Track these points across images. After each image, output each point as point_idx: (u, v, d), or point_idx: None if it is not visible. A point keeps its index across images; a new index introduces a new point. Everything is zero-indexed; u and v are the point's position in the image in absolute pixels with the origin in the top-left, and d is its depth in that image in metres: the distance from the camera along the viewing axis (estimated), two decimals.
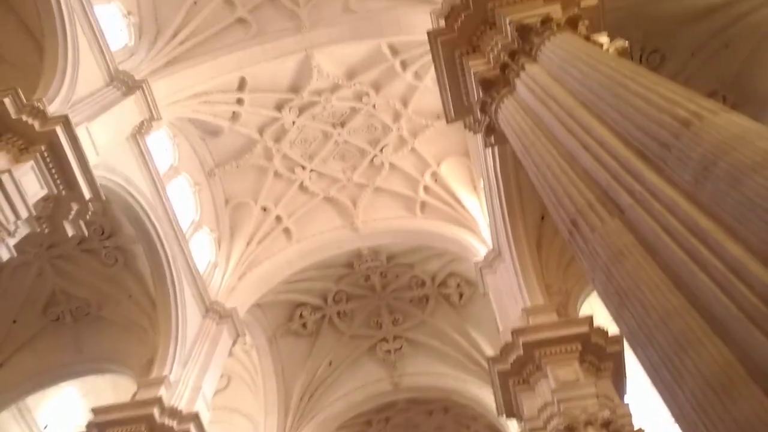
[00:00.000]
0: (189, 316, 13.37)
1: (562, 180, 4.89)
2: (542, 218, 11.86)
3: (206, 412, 12.65)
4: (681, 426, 3.27)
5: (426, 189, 16.73)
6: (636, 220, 3.89)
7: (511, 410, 10.41)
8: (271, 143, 16.01)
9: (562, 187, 4.86)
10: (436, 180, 16.60)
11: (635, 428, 8.79)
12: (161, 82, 12.77)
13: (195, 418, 11.74)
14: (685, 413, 3.23)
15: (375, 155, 16.65)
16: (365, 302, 19.00)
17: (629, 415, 9.01)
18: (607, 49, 6.39)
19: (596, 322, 10.12)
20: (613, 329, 9.72)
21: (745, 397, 2.71)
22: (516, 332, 10.23)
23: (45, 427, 17.77)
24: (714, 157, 3.31)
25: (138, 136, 12.32)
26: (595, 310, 10.90)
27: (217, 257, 16.06)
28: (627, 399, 9.86)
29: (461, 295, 18.45)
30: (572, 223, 4.61)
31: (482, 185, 14.41)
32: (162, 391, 11.68)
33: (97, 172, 9.88)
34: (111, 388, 16.97)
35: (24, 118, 8.71)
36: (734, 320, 2.82)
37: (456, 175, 16.43)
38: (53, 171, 8.96)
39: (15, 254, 8.35)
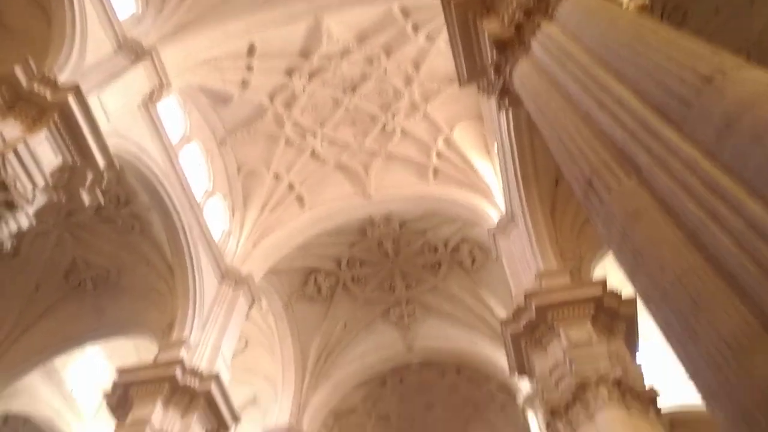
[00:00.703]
0: (206, 281, 13.60)
1: (577, 140, 4.82)
2: (556, 183, 11.78)
3: (226, 372, 13.01)
4: (695, 383, 3.30)
5: (438, 154, 16.64)
6: (653, 180, 3.84)
7: (524, 370, 10.54)
8: (281, 110, 15.93)
9: (577, 148, 4.79)
10: (448, 145, 16.49)
11: (646, 387, 8.86)
12: (169, 49, 12.69)
13: (216, 378, 12.08)
14: (699, 370, 3.25)
15: (386, 121, 16.53)
16: (378, 268, 19.16)
17: (641, 375, 9.08)
18: (627, 6, 6.22)
19: (609, 285, 10.13)
20: (626, 292, 9.75)
21: (760, 353, 2.71)
22: (529, 295, 10.28)
23: (72, 390, 18.37)
24: (737, 114, 3.23)
25: (149, 104, 12.32)
26: (609, 273, 10.91)
27: (231, 225, 16.21)
28: (639, 359, 9.93)
29: (474, 260, 18.51)
30: (587, 184, 4.56)
31: (496, 149, 14.30)
32: (183, 353, 12.00)
33: (109, 141, 9.94)
34: (134, 350, 17.46)
35: (36, 87, 8.74)
36: (751, 277, 2.80)
37: (469, 139, 16.30)
38: (67, 140, 9.03)
39: (34, 223, 8.49)
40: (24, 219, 8.26)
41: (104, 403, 12.46)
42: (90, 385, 19.02)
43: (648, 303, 3.71)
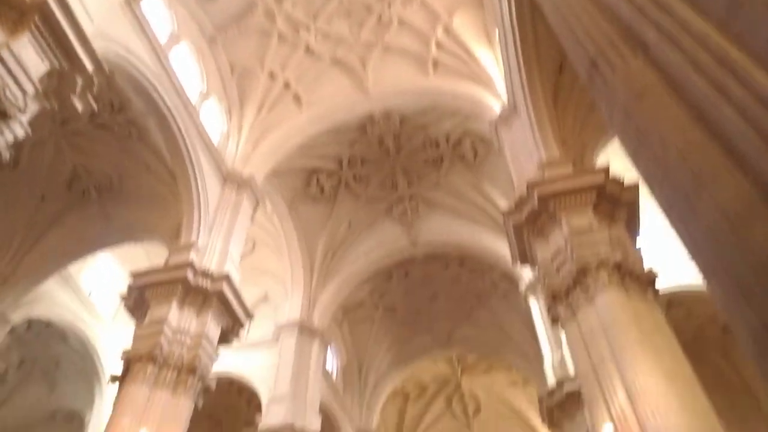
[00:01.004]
0: (208, 185, 13.66)
1: (582, 19, 4.59)
2: (560, 71, 11.43)
3: (236, 273, 13.42)
4: (695, 258, 3.36)
5: (438, 45, 16.03)
6: (661, 57, 3.69)
7: (525, 259, 10.80)
8: (272, 3, 15.18)
9: (583, 27, 4.57)
10: (448, 34, 15.84)
11: (645, 269, 9.10)
12: None
13: (226, 278, 12.48)
14: (699, 247, 3.30)
15: (382, 10, 15.78)
16: (380, 165, 19.16)
17: (640, 258, 9.30)
18: None
19: (612, 173, 10.12)
20: (628, 178, 9.76)
21: (759, 225, 2.73)
22: (531, 185, 10.31)
23: (89, 294, 19.11)
24: None
25: (131, 2, 11.71)
26: (612, 161, 10.87)
27: (228, 127, 16.01)
28: (639, 244, 10.13)
29: (476, 154, 18.45)
30: (591, 65, 4.41)
31: (497, 38, 13.74)
32: (192, 256, 12.31)
33: (95, 44, 9.55)
34: (144, 255, 17.94)
35: None
36: (754, 149, 2.76)
37: (469, 27, 15.62)
38: (51, 43, 8.69)
39: (29, 132, 8.38)
40: (18, 128, 8.14)
41: (122, 306, 12.99)
42: (106, 290, 19.79)
43: (651, 183, 3.71)
